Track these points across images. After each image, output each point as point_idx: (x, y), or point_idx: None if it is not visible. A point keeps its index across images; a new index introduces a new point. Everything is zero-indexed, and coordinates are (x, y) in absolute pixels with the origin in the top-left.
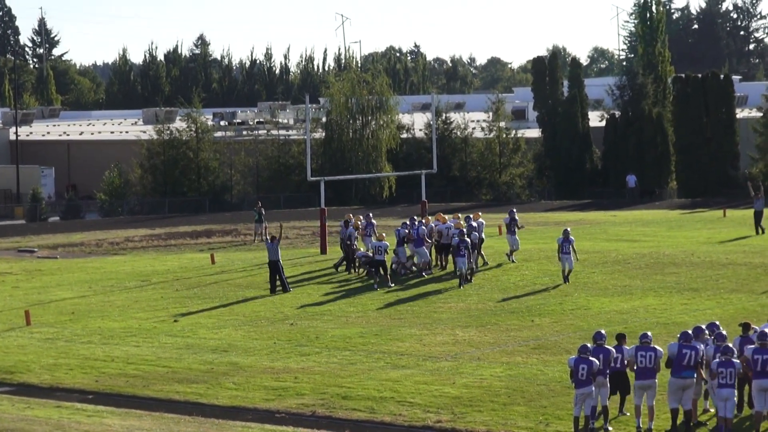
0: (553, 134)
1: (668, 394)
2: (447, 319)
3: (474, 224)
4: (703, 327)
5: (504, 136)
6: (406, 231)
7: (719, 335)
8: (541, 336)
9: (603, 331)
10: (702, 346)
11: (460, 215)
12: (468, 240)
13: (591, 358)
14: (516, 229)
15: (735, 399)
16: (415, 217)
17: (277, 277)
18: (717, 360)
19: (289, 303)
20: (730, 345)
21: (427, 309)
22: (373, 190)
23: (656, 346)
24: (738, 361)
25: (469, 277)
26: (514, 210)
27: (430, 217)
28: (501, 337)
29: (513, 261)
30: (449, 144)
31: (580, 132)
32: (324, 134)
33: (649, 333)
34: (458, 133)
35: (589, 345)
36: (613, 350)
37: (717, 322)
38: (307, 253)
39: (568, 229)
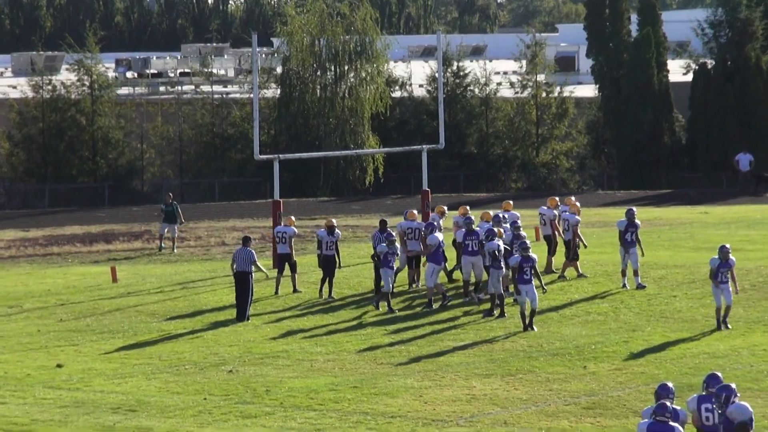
0: (615, 93)
1: None
2: (459, 364)
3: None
4: None
5: (544, 95)
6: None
7: None
8: (597, 390)
9: (670, 384)
10: None
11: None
12: (534, 256)
13: (672, 424)
14: (636, 239)
15: None
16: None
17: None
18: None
19: (226, 340)
20: None
21: (430, 349)
22: (351, 174)
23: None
24: None
25: (530, 322)
26: (634, 210)
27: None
28: (538, 391)
29: (642, 285)
30: (463, 107)
31: (655, 90)
32: (279, 92)
33: (719, 374)
34: (476, 90)
35: (668, 404)
36: (686, 411)
37: None
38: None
39: (728, 246)
